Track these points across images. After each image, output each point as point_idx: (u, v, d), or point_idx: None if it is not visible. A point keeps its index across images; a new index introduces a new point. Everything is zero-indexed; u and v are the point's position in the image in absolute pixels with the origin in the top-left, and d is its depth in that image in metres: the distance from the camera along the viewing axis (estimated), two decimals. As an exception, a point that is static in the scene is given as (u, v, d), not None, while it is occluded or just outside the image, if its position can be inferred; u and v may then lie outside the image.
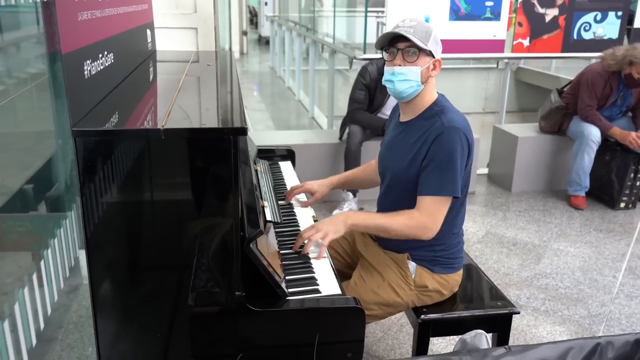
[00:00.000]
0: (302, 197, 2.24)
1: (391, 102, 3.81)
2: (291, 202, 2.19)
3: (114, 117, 1.46)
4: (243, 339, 1.49)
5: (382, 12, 5.17)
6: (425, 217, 1.75)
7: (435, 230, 1.76)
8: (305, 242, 1.78)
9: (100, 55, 1.58)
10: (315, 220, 2.05)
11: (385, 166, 1.95)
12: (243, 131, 1.37)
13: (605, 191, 4.25)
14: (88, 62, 1.44)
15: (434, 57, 1.76)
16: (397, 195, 1.86)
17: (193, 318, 1.47)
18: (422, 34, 1.71)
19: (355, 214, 1.85)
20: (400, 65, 1.74)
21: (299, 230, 1.91)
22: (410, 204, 1.78)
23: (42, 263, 1.51)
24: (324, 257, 1.75)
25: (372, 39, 4.63)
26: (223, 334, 1.48)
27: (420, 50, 1.72)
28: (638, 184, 4.14)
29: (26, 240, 2.00)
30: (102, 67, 1.58)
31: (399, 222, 1.77)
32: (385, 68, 1.78)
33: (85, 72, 1.42)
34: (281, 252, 1.78)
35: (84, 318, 2.53)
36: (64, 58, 1.27)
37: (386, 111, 3.91)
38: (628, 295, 3.01)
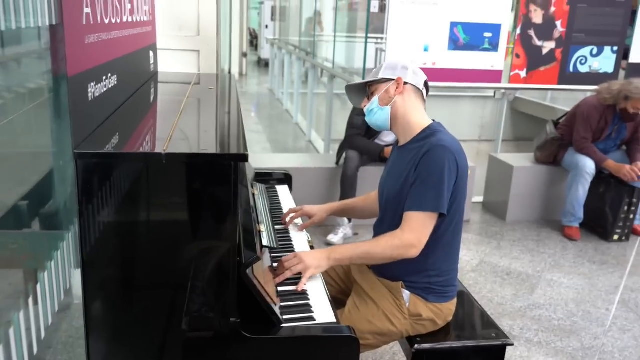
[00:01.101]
0: (299, 221, 2.25)
1: (389, 129, 3.84)
2: (287, 225, 2.19)
3: (116, 139, 1.47)
4: (236, 365, 1.48)
5: (382, 38, 5.23)
6: (408, 233, 1.75)
7: (420, 248, 1.75)
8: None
9: (105, 77, 1.59)
10: (311, 246, 2.05)
11: (383, 191, 1.97)
12: (244, 158, 1.38)
13: (599, 223, 4.27)
14: (92, 84, 1.46)
15: (390, 80, 1.86)
16: (392, 219, 1.86)
17: (186, 342, 1.46)
18: (374, 71, 1.91)
19: (338, 248, 1.84)
20: (364, 105, 1.93)
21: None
22: None
23: (38, 286, 1.50)
24: (304, 288, 1.72)
25: (371, 64, 4.68)
26: (216, 359, 1.47)
27: (374, 83, 1.89)
28: (631, 216, 4.17)
29: (19, 258, 1.98)
30: (105, 89, 1.59)
31: (382, 245, 1.78)
32: None
33: (90, 94, 1.43)
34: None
35: (74, 338, 2.50)
36: (70, 81, 1.28)
37: (384, 137, 3.94)
38: (621, 329, 3.01)
